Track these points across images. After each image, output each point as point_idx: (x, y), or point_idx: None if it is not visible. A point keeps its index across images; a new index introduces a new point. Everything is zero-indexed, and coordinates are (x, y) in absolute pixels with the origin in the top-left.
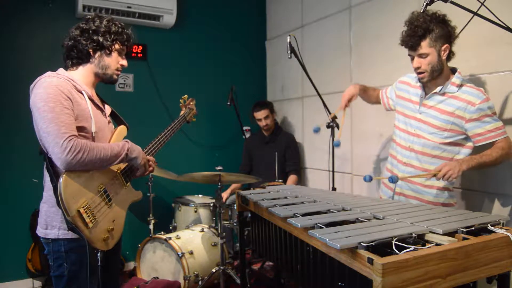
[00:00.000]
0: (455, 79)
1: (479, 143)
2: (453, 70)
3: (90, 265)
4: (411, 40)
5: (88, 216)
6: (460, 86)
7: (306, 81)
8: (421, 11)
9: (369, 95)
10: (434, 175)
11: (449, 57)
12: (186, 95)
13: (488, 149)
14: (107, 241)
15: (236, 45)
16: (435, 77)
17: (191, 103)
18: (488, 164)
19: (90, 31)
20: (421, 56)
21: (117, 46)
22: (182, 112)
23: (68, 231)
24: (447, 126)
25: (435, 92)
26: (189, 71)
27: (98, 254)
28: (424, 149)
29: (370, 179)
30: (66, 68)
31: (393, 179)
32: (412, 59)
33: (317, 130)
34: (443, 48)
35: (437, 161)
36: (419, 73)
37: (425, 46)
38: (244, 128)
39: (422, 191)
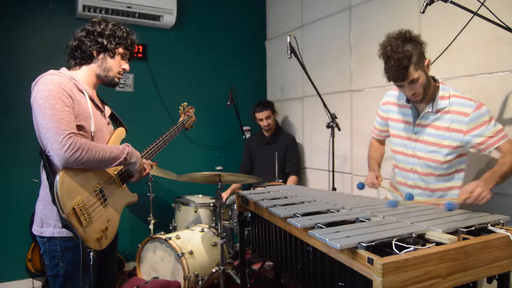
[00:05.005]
0: (442, 92)
1: (483, 151)
2: (434, 79)
3: (84, 264)
4: (400, 74)
5: (83, 214)
6: (448, 98)
7: (306, 81)
8: (421, 11)
9: (382, 154)
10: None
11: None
12: (185, 103)
13: (495, 157)
14: (100, 240)
15: (236, 45)
16: (427, 94)
17: (190, 110)
18: (508, 173)
19: (95, 33)
20: (412, 82)
21: (120, 50)
22: (181, 119)
23: (62, 228)
24: (444, 142)
25: (429, 112)
26: (189, 71)
27: (91, 254)
28: (427, 169)
29: (450, 207)
30: (69, 68)
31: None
32: (401, 87)
33: (361, 187)
34: (425, 64)
35: (442, 178)
36: (414, 98)
37: (413, 72)
38: (244, 128)
39: None
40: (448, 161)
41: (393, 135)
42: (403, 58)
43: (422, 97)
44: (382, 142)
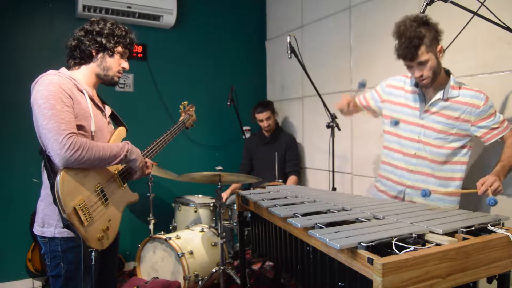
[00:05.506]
0: (453, 82)
1: (488, 141)
2: (446, 71)
3: (85, 264)
4: (410, 52)
5: (84, 214)
6: (459, 88)
7: (306, 81)
8: (421, 11)
9: (356, 110)
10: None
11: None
12: (186, 102)
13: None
14: (101, 240)
15: (236, 45)
16: (435, 80)
17: (191, 109)
18: None
19: (94, 33)
20: (421, 63)
21: (119, 49)
22: (181, 118)
23: (63, 228)
24: (452, 130)
25: (439, 99)
26: (189, 71)
27: (92, 254)
28: (433, 156)
29: (494, 202)
30: (69, 68)
31: (426, 193)
32: (410, 68)
33: (363, 85)
34: (438, 49)
35: (449, 166)
36: (422, 80)
37: (423, 53)
38: (244, 128)
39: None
40: (453, 148)
41: (395, 118)
42: (414, 37)
43: (430, 81)
44: (360, 108)
